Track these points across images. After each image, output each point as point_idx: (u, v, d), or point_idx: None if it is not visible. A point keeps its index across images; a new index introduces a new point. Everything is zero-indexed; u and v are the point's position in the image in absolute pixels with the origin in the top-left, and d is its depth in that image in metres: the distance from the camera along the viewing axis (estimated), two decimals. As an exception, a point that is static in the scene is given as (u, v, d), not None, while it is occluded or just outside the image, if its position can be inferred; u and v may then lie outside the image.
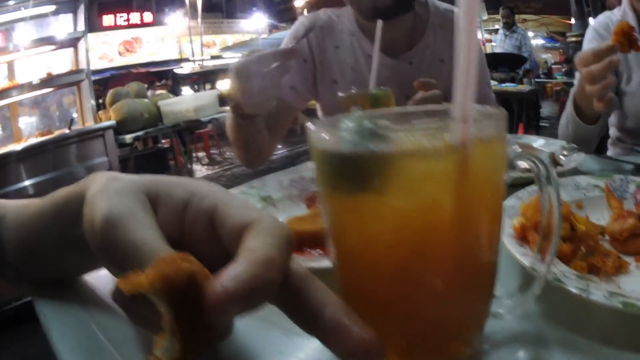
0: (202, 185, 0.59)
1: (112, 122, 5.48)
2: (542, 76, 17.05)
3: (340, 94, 1.66)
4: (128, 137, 5.48)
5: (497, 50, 10.94)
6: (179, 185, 0.59)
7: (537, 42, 25.22)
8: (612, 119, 2.35)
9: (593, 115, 1.81)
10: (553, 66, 19.07)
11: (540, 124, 9.95)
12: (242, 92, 1.60)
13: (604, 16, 2.25)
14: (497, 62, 9.28)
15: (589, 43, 2.21)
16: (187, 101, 5.98)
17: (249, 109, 1.71)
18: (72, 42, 6.01)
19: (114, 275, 0.56)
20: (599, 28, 2.21)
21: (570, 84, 14.38)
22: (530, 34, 20.42)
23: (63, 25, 6.15)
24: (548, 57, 27.57)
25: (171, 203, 0.57)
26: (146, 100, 6.07)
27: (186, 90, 21.51)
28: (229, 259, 0.47)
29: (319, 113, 2.38)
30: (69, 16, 6.09)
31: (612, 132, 2.38)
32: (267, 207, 1.22)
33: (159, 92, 17.08)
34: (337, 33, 2.22)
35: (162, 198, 0.57)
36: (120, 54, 22.16)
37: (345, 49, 2.20)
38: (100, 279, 0.81)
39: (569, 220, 0.92)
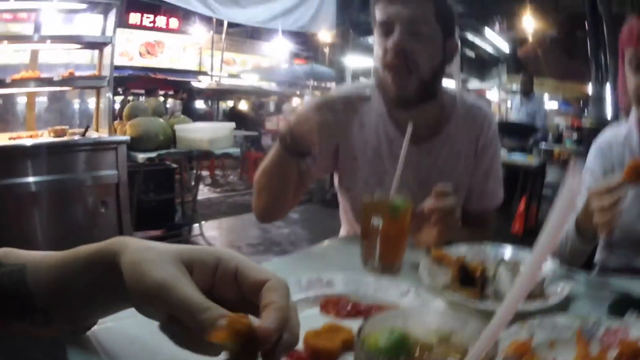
0: (225, 252, 0.84)
1: (126, 137, 5.50)
2: (550, 139, 17.11)
3: (363, 198, 1.76)
4: (140, 157, 5.48)
5: (513, 116, 10.96)
6: (209, 254, 0.83)
7: (552, 104, 25.34)
8: None
9: (593, 236, 1.90)
10: (564, 132, 19.05)
11: (543, 192, 10.00)
12: (315, 126, 1.75)
13: (609, 133, 2.31)
14: (509, 130, 9.30)
15: (592, 160, 2.28)
16: (203, 131, 5.94)
17: (309, 142, 1.86)
18: (99, 45, 5.97)
19: (157, 319, 0.82)
20: (603, 146, 2.27)
21: (579, 153, 14.31)
22: (546, 95, 20.47)
23: (92, 25, 6.11)
24: (560, 121, 27.60)
25: (204, 267, 0.81)
26: (162, 120, 6.10)
27: (199, 104, 21.54)
28: (249, 302, 0.79)
29: (335, 183, 2.46)
30: (100, 17, 6.04)
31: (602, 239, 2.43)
32: None
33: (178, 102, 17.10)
34: (366, 111, 2.28)
35: (197, 264, 0.81)
36: (141, 54, 22.30)
37: (370, 129, 2.28)
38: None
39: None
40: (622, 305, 1.41)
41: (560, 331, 1.26)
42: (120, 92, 17.46)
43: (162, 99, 20.12)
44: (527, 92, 10.71)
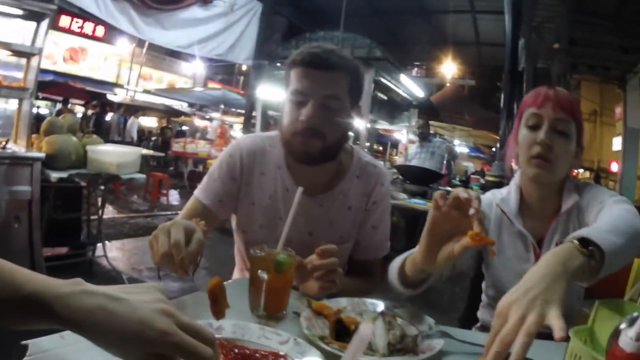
0: None
1: (42, 154, 5.51)
2: (458, 183, 17.36)
3: (251, 251, 1.86)
4: (53, 175, 5.49)
5: (413, 162, 10.96)
6: None
7: (462, 150, 25.84)
8: (484, 286, 2.51)
9: (415, 282, 1.94)
10: (472, 175, 19.35)
11: None
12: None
13: (490, 194, 2.46)
14: (412, 176, 9.36)
15: None
16: (112, 154, 6.02)
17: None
18: (27, 55, 5.84)
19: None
20: (483, 205, 2.29)
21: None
22: (456, 141, 20.92)
23: (23, 31, 5.96)
24: (470, 165, 28.14)
25: None
26: (75, 139, 6.15)
27: (110, 117, 21.22)
28: None
29: (233, 224, 2.57)
30: (32, 25, 5.90)
31: (484, 297, 2.52)
32: None
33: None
34: (266, 162, 2.42)
35: None
36: (64, 59, 22.10)
37: (269, 178, 2.41)
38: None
39: None
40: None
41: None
42: (40, 98, 17.21)
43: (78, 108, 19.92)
44: (424, 135, 11.01)
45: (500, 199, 2.37)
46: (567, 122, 2.14)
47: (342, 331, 1.66)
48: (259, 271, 1.77)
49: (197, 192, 2.42)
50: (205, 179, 2.47)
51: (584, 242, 1.47)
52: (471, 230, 1.55)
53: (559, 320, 1.16)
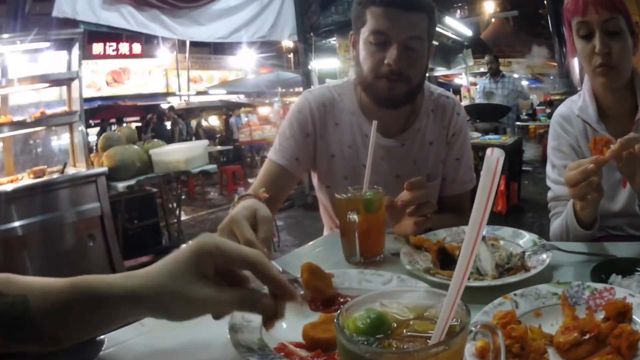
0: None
1: (104, 168, 5.56)
2: (525, 117, 17.04)
3: (337, 195, 1.81)
4: (120, 186, 5.53)
5: (479, 98, 10.93)
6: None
7: (523, 83, 25.43)
8: None
9: (592, 222, 1.93)
10: (537, 107, 18.97)
11: (523, 168, 9.94)
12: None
13: (564, 107, 2.38)
14: (480, 114, 9.39)
15: (556, 139, 2.34)
16: (178, 152, 6.04)
17: None
18: (66, 81, 5.98)
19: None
20: (561, 122, 2.35)
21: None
22: (515, 75, 20.58)
23: (58, 61, 6.09)
24: (533, 98, 27.66)
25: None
26: (136, 147, 6.18)
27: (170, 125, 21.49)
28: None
29: (314, 182, 2.55)
30: (64, 53, 6.03)
31: None
32: None
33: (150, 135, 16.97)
34: (338, 111, 2.38)
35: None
36: (108, 83, 22.40)
37: (344, 127, 2.38)
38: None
39: (522, 339, 1.08)
40: (605, 269, 1.47)
41: (544, 299, 1.31)
42: (92, 125, 17.54)
43: (133, 125, 20.11)
44: (494, 70, 10.71)
45: (579, 109, 2.29)
46: (615, 20, 2.05)
47: (447, 260, 1.62)
48: (349, 213, 1.69)
49: (271, 155, 2.40)
50: (276, 139, 2.45)
51: None
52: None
53: None
